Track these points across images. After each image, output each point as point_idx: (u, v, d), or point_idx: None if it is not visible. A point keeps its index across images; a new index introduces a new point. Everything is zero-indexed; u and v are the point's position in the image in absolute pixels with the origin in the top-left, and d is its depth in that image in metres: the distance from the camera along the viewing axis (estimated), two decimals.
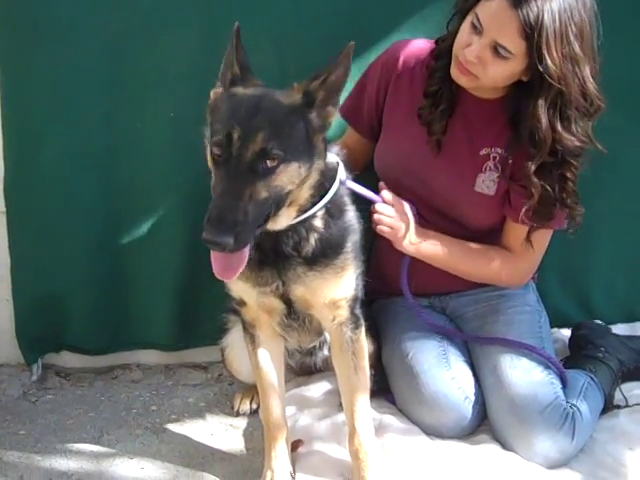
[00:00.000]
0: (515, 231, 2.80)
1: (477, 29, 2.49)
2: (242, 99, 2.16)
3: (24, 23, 2.97)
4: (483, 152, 2.77)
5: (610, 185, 3.34)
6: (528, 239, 2.76)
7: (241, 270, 2.16)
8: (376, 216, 2.64)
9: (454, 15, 2.65)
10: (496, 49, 2.46)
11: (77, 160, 3.11)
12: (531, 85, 2.52)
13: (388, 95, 2.87)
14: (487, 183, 2.77)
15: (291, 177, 2.14)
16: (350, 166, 2.53)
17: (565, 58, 2.42)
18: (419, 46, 2.84)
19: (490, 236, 2.88)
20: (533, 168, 2.58)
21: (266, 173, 2.07)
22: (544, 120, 2.49)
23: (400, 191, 2.76)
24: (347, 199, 2.46)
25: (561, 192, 2.62)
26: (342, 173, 2.40)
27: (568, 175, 2.60)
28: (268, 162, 2.07)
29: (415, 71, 2.81)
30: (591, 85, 2.49)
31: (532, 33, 2.38)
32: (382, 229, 2.66)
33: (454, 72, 2.63)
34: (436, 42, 2.77)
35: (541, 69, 2.42)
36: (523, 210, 2.65)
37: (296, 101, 2.18)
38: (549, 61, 2.40)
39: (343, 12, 3.04)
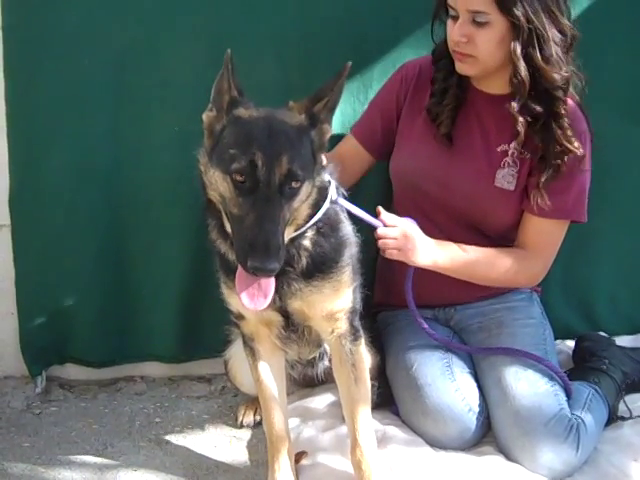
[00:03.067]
0: (531, 226, 2.82)
1: (455, 17, 2.61)
2: (252, 122, 2.17)
3: (30, 36, 3.00)
4: (501, 148, 2.81)
5: (613, 197, 3.35)
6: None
7: (271, 296, 2.19)
8: (381, 242, 2.62)
9: (433, 22, 2.78)
10: (474, 20, 2.57)
11: (82, 173, 3.12)
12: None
13: (405, 106, 2.94)
14: (507, 178, 2.81)
15: (304, 196, 2.20)
16: (344, 181, 2.56)
17: None
18: (430, 60, 2.91)
19: (506, 242, 2.89)
20: (516, 107, 2.66)
21: (291, 195, 2.13)
22: (521, 62, 2.59)
23: (419, 197, 2.81)
24: (342, 216, 2.47)
25: (561, 129, 2.67)
26: (333, 192, 2.41)
27: (561, 111, 2.67)
28: (293, 183, 2.11)
29: (429, 82, 2.88)
30: (560, 16, 2.59)
31: None
32: (391, 253, 2.65)
33: (457, 65, 2.72)
34: (433, 52, 2.87)
35: (506, 14, 2.53)
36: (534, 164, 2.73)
37: (302, 122, 2.22)
38: (511, 2, 2.51)
39: (347, 23, 3.07)
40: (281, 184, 2.09)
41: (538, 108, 2.66)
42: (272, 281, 2.18)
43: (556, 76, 2.61)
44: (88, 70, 3.03)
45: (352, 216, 2.55)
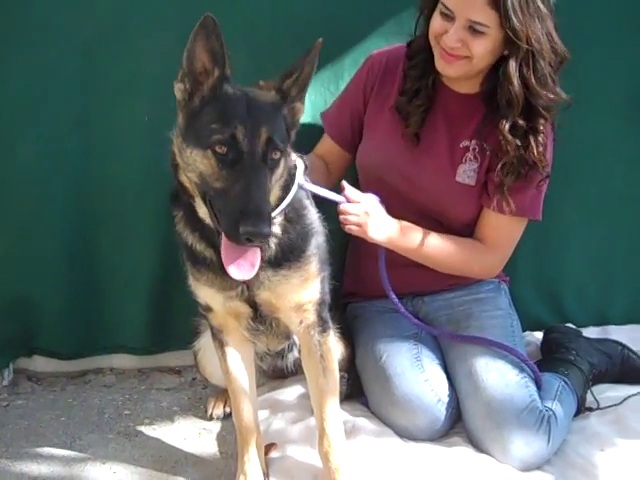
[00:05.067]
0: (489, 221, 2.84)
1: (448, 16, 2.58)
2: (233, 99, 2.16)
3: None
4: (463, 144, 2.83)
5: (580, 190, 3.40)
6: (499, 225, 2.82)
7: (258, 266, 2.17)
8: (341, 217, 2.64)
9: (420, 16, 2.74)
10: (472, 28, 2.55)
11: (51, 162, 3.10)
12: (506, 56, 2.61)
13: (372, 98, 2.93)
14: (468, 173, 2.83)
15: (281, 171, 2.21)
16: (330, 179, 2.57)
17: (532, 17, 2.52)
18: (399, 50, 2.91)
19: (466, 234, 2.91)
20: (507, 126, 2.65)
21: (272, 166, 2.14)
22: (516, 80, 2.59)
23: (382, 189, 2.79)
24: (306, 202, 2.47)
25: (535, 145, 2.68)
26: (300, 176, 2.42)
27: (541, 128, 2.68)
28: (274, 154, 2.13)
29: (397, 73, 2.88)
30: (557, 38, 2.60)
31: (499, 0, 2.48)
32: (350, 228, 2.66)
33: (440, 64, 2.70)
34: (408, 45, 2.84)
35: (509, 32, 2.51)
36: (498, 167, 2.71)
37: (274, 98, 2.22)
38: (516, 23, 2.50)
39: (319, 12, 3.08)
40: (264, 153, 2.10)
41: (521, 122, 2.67)
42: (258, 251, 2.17)
43: (545, 96, 2.62)
44: (57, 58, 3.01)
45: (318, 202, 2.55)
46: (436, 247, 2.82)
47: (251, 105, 2.14)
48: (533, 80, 2.59)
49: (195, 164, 2.13)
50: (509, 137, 2.66)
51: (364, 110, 2.96)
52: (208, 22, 2.07)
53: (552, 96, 2.64)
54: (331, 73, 3.12)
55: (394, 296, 2.80)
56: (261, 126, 2.10)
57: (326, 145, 3.05)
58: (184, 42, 2.14)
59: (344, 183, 2.67)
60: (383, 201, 2.74)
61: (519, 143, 2.68)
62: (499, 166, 2.72)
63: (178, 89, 2.20)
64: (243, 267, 2.14)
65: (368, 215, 2.65)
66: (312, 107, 3.04)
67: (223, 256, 2.14)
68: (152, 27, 3.02)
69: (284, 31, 3.06)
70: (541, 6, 2.54)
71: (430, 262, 2.87)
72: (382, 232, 2.70)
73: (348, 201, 2.64)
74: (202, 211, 2.24)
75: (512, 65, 2.58)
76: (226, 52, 2.14)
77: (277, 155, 2.14)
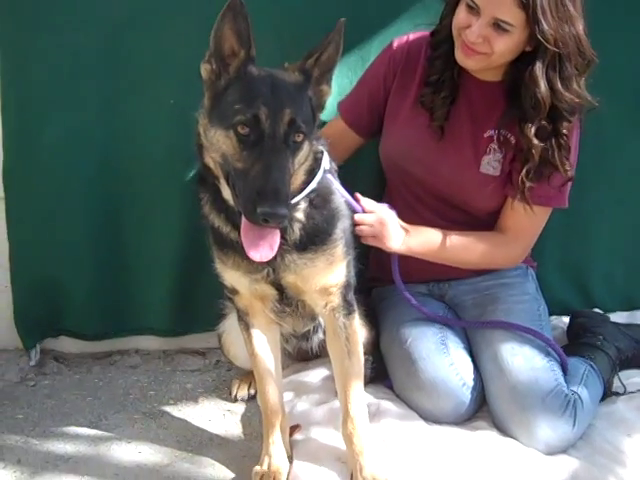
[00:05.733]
0: (513, 211, 2.81)
1: (474, 9, 2.54)
2: (257, 79, 2.16)
3: (26, 8, 2.97)
4: (487, 134, 2.80)
5: (610, 174, 3.36)
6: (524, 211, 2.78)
7: (277, 248, 2.16)
8: (357, 229, 2.63)
9: (446, 6, 2.70)
10: (497, 25, 2.51)
11: (76, 146, 3.11)
12: (532, 54, 2.56)
13: (393, 88, 2.91)
14: (492, 164, 2.81)
15: (305, 154, 2.21)
16: (333, 159, 2.55)
17: (561, 20, 2.48)
18: (420, 37, 2.88)
19: (491, 222, 2.90)
20: (533, 130, 2.63)
21: (295, 148, 2.14)
22: (542, 82, 2.56)
23: (408, 180, 2.80)
24: (333, 187, 2.46)
25: (558, 149, 2.65)
26: (326, 162, 2.41)
27: (564, 131, 2.65)
28: (297, 136, 2.12)
29: (420, 61, 2.85)
30: (585, 42, 2.55)
31: (528, 2, 2.44)
32: (366, 239, 2.67)
33: (459, 56, 2.67)
34: (432, 34, 2.81)
35: (538, 35, 2.47)
36: (523, 172, 2.68)
37: (298, 79, 2.22)
38: (545, 26, 2.46)
39: None
40: (286, 135, 2.09)
41: (545, 124, 2.64)
42: (277, 232, 2.17)
43: (570, 99, 2.58)
44: (84, 42, 3.01)
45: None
46: (456, 248, 2.81)
47: (275, 86, 2.14)
48: (559, 83, 2.56)
49: (218, 144, 2.14)
50: (535, 141, 2.64)
51: (384, 99, 2.94)
52: (235, 3, 2.07)
53: (577, 100, 2.60)
54: (357, 57, 3.10)
55: (410, 297, 2.81)
56: (284, 107, 2.09)
57: (337, 127, 3.00)
58: (210, 25, 2.14)
59: (358, 195, 2.66)
60: (410, 206, 2.76)
61: (544, 145, 2.65)
62: (523, 172, 2.69)
63: (205, 69, 2.21)
64: (262, 248, 2.14)
65: (383, 225, 2.66)
66: (339, 90, 3.02)
67: (242, 237, 2.15)
68: (179, 10, 3.01)
69: (311, 14, 3.03)
70: (571, 9, 2.49)
71: (452, 262, 2.88)
72: (399, 241, 2.71)
73: (363, 211, 2.64)
74: (227, 192, 2.24)
75: (539, 67, 2.55)
76: (252, 34, 2.14)
77: (300, 137, 2.13)
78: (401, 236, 2.72)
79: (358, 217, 2.62)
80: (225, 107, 2.14)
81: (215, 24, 2.13)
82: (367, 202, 2.66)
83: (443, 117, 2.79)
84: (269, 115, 2.07)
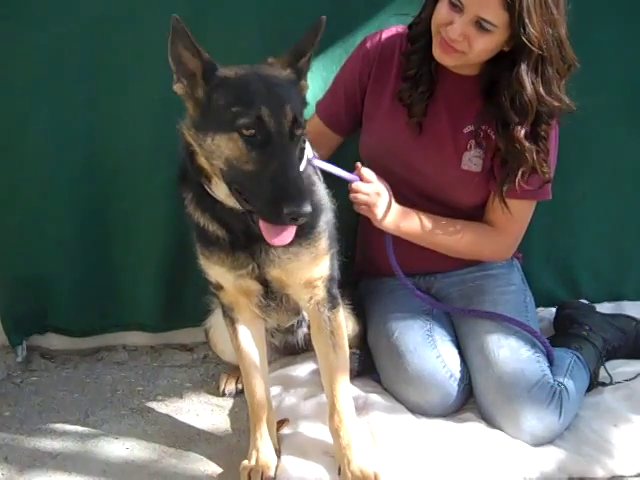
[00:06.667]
0: (497, 205, 2.79)
1: (457, 7, 2.51)
2: (245, 79, 2.15)
3: (6, 3, 2.94)
4: (467, 130, 2.79)
5: (595, 164, 3.37)
6: (509, 211, 2.77)
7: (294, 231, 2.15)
8: (351, 195, 2.64)
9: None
10: (479, 24, 2.49)
11: (61, 142, 3.09)
12: (511, 54, 2.55)
13: (370, 85, 2.89)
14: (473, 160, 2.79)
15: (303, 147, 2.22)
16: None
17: (545, 23, 2.47)
18: (394, 33, 2.86)
19: (477, 216, 2.90)
20: (522, 133, 2.62)
21: (297, 142, 2.14)
22: (528, 85, 2.54)
23: (387, 177, 2.76)
24: (315, 178, 2.45)
25: (537, 152, 2.65)
26: (309, 151, 2.40)
27: (542, 134, 2.65)
28: (299, 131, 2.12)
29: (395, 57, 2.83)
30: (567, 45, 2.55)
31: (513, 3, 2.42)
32: (359, 207, 2.67)
33: (437, 52, 2.64)
34: (409, 27, 2.79)
35: (523, 38, 2.46)
36: (518, 175, 2.66)
37: (290, 76, 2.22)
38: (530, 28, 2.45)
39: None
40: (290, 132, 2.09)
41: (526, 128, 2.62)
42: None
43: (550, 103, 2.57)
44: (66, 39, 2.99)
45: (328, 179, 2.54)
46: (445, 233, 2.81)
47: (270, 84, 2.13)
48: (540, 86, 2.55)
49: (219, 150, 2.10)
50: (527, 144, 2.62)
51: (361, 98, 2.91)
52: (176, 23, 2.07)
53: (557, 103, 2.59)
54: (342, 50, 3.07)
55: (407, 281, 2.81)
56: (285, 105, 2.09)
57: (316, 126, 2.95)
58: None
59: (358, 163, 2.66)
60: (405, 196, 2.74)
61: (537, 147, 2.65)
62: (519, 174, 2.67)
63: (179, 88, 2.18)
64: (284, 236, 2.12)
65: (379, 196, 2.66)
66: (325, 84, 3.02)
67: (265, 235, 2.11)
68: (161, 7, 2.97)
69: (292, 7, 3.02)
70: (555, 12, 2.48)
71: (439, 248, 2.87)
72: (390, 216, 2.71)
73: (361, 180, 2.63)
74: (219, 191, 2.22)
75: (524, 69, 2.53)
76: (195, 41, 2.11)
77: (299, 132, 2.13)
78: (393, 213, 2.71)
79: (355, 185, 2.63)
80: (219, 112, 2.11)
81: (168, 48, 2.12)
82: (367, 172, 2.65)
83: (421, 113, 2.77)
84: (271, 114, 2.06)
